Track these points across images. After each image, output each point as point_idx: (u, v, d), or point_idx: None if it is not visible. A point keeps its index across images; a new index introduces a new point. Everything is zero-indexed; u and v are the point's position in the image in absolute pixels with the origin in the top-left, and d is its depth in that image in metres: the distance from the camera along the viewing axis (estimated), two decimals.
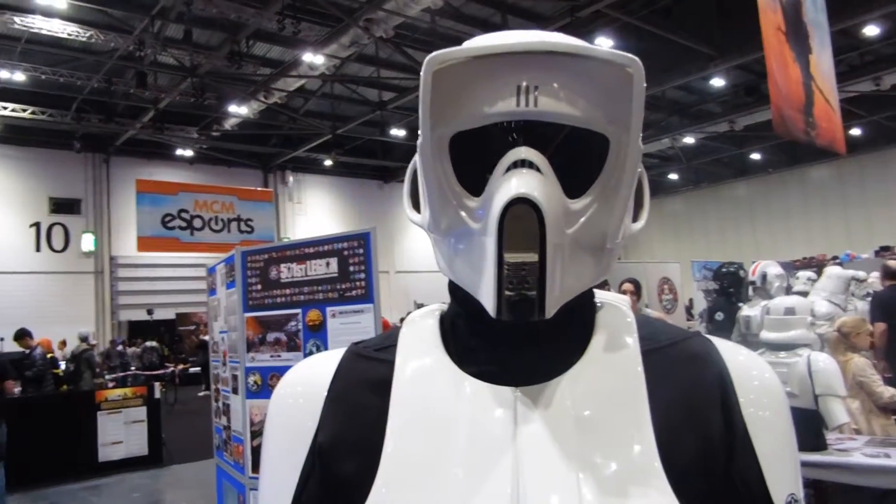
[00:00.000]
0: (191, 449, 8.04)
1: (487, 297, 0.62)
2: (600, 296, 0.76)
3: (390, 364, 0.72)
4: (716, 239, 25.16)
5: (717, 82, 16.82)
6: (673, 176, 26.11)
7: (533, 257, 0.60)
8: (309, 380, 0.75)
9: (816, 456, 3.45)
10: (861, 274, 6.63)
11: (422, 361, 0.71)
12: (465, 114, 0.64)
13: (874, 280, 6.89)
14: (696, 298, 7.40)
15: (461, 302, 0.72)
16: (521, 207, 0.60)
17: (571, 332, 0.70)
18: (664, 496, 0.61)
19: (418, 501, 0.62)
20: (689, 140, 20.68)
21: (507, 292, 0.60)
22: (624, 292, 5.32)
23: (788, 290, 5.81)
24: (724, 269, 6.30)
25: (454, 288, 0.73)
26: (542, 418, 0.64)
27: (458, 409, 0.66)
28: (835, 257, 12.68)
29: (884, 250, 15.09)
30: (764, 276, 5.61)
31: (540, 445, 0.63)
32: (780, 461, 0.68)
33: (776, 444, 0.68)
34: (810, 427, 3.55)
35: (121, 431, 8.19)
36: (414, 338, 0.74)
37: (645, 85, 0.62)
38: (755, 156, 23.64)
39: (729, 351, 0.71)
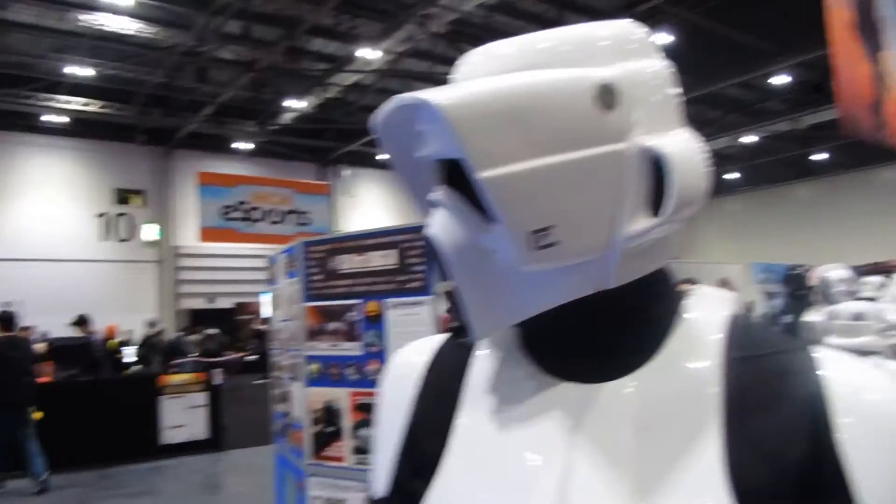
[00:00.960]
0: (248, 435, 8.25)
1: None
2: (702, 291, 0.73)
3: (471, 351, 0.76)
4: (778, 241, 24.41)
5: (781, 80, 16.33)
6: (732, 176, 25.48)
7: (451, 286, 0.64)
8: (408, 362, 0.81)
9: None
10: None
11: (496, 351, 0.74)
12: (403, 164, 0.74)
13: None
14: (758, 301, 7.22)
15: None
16: (434, 244, 0.65)
17: (645, 327, 0.67)
18: None
19: (474, 491, 0.65)
20: (749, 139, 20.15)
21: (454, 315, 0.66)
22: None
23: (854, 296, 5.62)
24: (793, 272, 6.13)
25: None
26: (601, 419, 0.63)
27: (519, 402, 0.68)
28: None
29: None
30: (825, 281, 5.45)
31: (594, 448, 0.61)
32: None
33: (882, 487, 0.56)
34: None
35: (182, 415, 8.46)
36: None
37: (446, 114, 0.58)
38: (820, 156, 22.86)
39: (839, 370, 0.61)
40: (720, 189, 26.61)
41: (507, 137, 0.58)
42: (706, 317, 0.68)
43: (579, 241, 0.60)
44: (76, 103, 16.66)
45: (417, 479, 0.71)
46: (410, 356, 0.82)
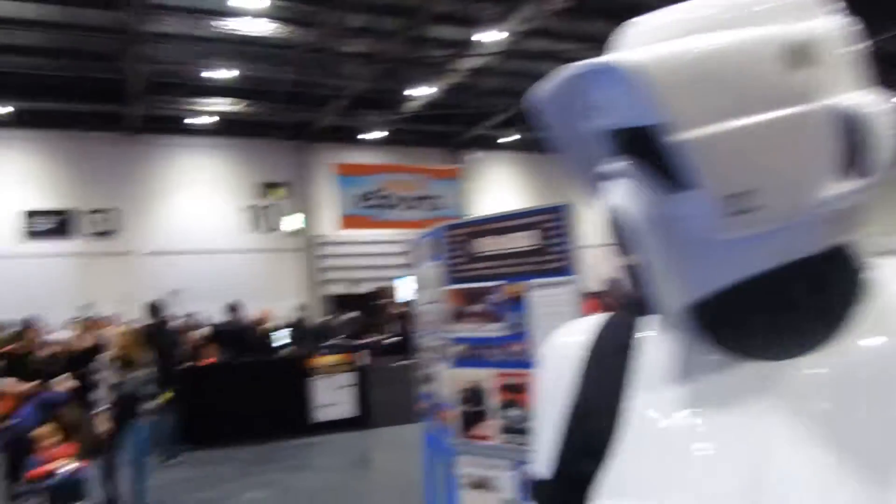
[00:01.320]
0: (394, 413, 8.56)
1: None
2: (891, 262, 0.68)
3: (640, 329, 0.75)
4: None
5: None
6: None
7: (636, 259, 0.64)
8: (566, 343, 0.80)
9: None
10: None
11: (667, 329, 0.71)
12: (566, 139, 0.74)
13: None
14: None
15: None
16: (617, 216, 0.65)
17: (832, 300, 0.63)
18: None
19: (655, 473, 0.63)
20: None
21: (634, 291, 0.66)
22: None
23: None
24: None
25: None
26: (792, 399, 0.60)
27: (700, 380, 0.65)
28: None
29: None
30: None
31: (788, 430, 0.59)
32: None
33: None
34: None
35: (332, 395, 8.91)
36: None
37: (646, 77, 0.57)
38: None
39: None
40: None
41: (703, 99, 0.57)
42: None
43: (778, 205, 0.58)
44: (221, 104, 17.82)
45: (586, 460, 0.70)
46: (569, 337, 0.82)
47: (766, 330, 0.64)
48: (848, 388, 0.59)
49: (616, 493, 0.66)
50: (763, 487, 0.57)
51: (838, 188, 0.59)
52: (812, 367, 0.61)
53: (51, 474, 4.87)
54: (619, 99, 0.64)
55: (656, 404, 0.67)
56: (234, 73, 16.16)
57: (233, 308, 10.53)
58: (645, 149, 0.63)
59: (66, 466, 4.96)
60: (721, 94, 0.57)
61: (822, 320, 0.63)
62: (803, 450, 0.57)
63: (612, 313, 0.81)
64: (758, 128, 0.57)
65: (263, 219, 20.35)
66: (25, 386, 6.00)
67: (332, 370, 9.00)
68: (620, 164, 0.66)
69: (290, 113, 18.52)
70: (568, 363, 0.78)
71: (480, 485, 3.84)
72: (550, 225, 3.77)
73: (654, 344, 0.72)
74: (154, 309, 8.09)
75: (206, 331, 9.93)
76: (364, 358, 9.31)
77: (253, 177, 20.34)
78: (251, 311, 12.11)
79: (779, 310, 0.63)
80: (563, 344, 0.81)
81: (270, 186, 20.56)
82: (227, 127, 19.42)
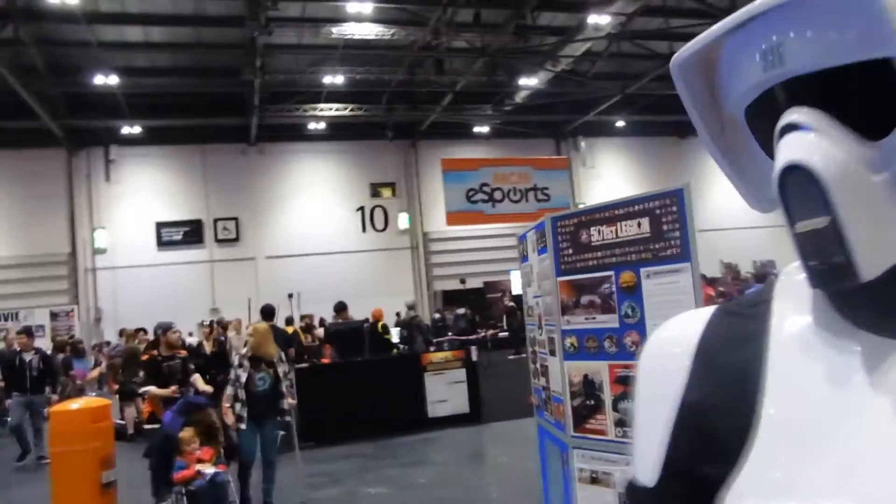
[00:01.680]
0: (506, 408, 8.54)
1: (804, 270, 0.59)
2: None
3: (765, 320, 0.67)
4: None
5: None
6: None
7: (822, 222, 0.55)
8: (677, 337, 0.74)
9: None
10: None
11: (801, 316, 0.65)
12: (726, 98, 0.66)
13: None
14: None
15: None
16: (795, 175, 0.56)
17: None
18: None
19: (799, 473, 0.57)
20: None
21: (812, 262, 0.57)
22: None
23: None
24: None
25: None
26: None
27: (847, 366, 0.59)
28: None
29: None
30: None
31: None
32: None
33: None
34: None
35: (445, 390, 9.00)
36: (791, 291, 0.68)
37: None
38: None
39: None
40: None
41: None
42: None
43: None
44: (332, 109, 18.39)
45: (711, 463, 0.64)
46: (678, 329, 0.75)
47: None
48: None
49: (752, 495, 0.60)
50: None
51: None
52: None
53: (197, 476, 5.13)
54: (814, 33, 0.57)
55: (798, 400, 0.61)
56: (342, 78, 16.63)
57: (338, 309, 10.80)
58: (833, 96, 0.58)
59: (209, 469, 5.21)
60: None
61: None
62: None
63: (718, 305, 0.75)
64: None
65: (373, 219, 20.88)
66: (167, 390, 6.39)
67: (444, 366, 9.09)
68: (807, 114, 0.58)
69: (397, 113, 18.88)
70: (676, 360, 0.71)
71: (596, 479, 3.74)
72: (663, 211, 3.61)
73: (792, 332, 0.65)
74: (267, 312, 8.42)
75: (319, 332, 10.25)
76: (474, 353, 9.32)
77: (363, 178, 20.92)
78: (364, 310, 12.40)
79: None
80: (671, 338, 0.75)
81: (380, 187, 21.06)
82: (339, 131, 20.06)
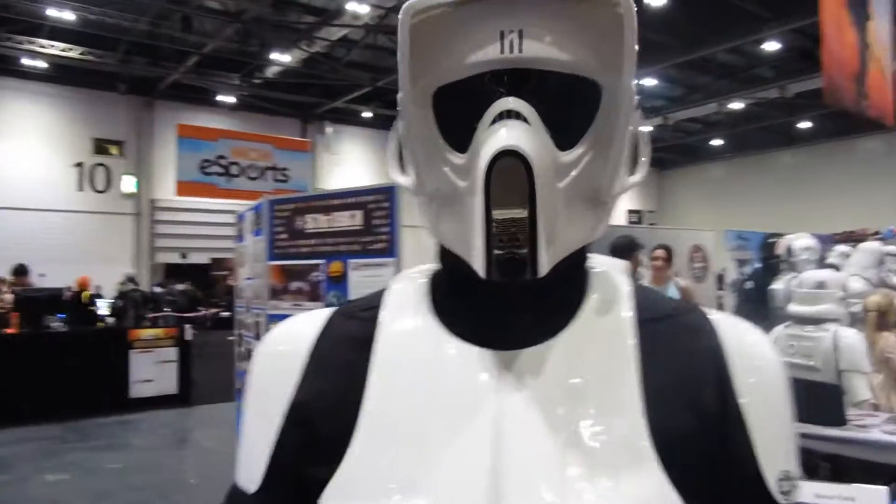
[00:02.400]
0: (218, 390, 8.25)
1: (476, 257, 0.59)
2: (597, 260, 0.73)
3: (373, 323, 0.70)
4: (757, 209, 24.56)
5: (771, 46, 16.15)
6: (716, 142, 25.46)
7: (522, 213, 0.57)
8: (292, 337, 0.74)
9: (836, 431, 3.42)
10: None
11: (406, 321, 0.70)
12: (447, 65, 0.61)
13: None
14: (729, 268, 7.26)
15: (449, 262, 0.69)
16: (508, 160, 0.56)
17: (562, 295, 0.67)
18: (652, 472, 0.59)
19: (395, 462, 0.62)
20: (736, 105, 20.06)
21: (497, 251, 0.57)
22: (656, 258, 5.26)
23: (822, 264, 5.69)
24: (769, 241, 6.22)
25: (441, 251, 0.71)
26: (527, 384, 0.62)
27: (440, 371, 0.64)
28: (876, 232, 12.30)
29: None
30: (790, 250, 5.53)
31: (524, 413, 0.61)
32: (774, 438, 0.65)
33: (770, 422, 0.66)
34: (831, 402, 3.50)
35: (152, 370, 8.45)
36: (401, 298, 0.73)
37: (636, 24, 0.59)
38: (804, 124, 22.83)
39: (728, 325, 0.69)
40: (704, 155, 26.65)
41: (632, 59, 0.61)
42: (612, 284, 0.71)
43: (617, 179, 0.66)
44: (56, 48, 16.19)
45: (315, 465, 0.65)
46: (295, 329, 0.74)
47: (501, 320, 0.66)
48: (574, 373, 0.63)
49: (349, 495, 0.62)
50: (503, 476, 0.58)
51: (632, 179, 0.67)
52: (545, 355, 0.64)
53: None
54: (558, 35, 0.60)
55: (394, 397, 0.65)
56: (73, 15, 14.66)
57: (18, 272, 9.57)
58: (544, 97, 0.60)
59: None
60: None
61: (555, 312, 0.67)
62: (540, 435, 0.60)
63: (336, 308, 0.77)
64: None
65: (92, 178, 18.83)
66: None
67: (154, 344, 8.51)
68: (526, 108, 0.59)
69: (135, 66, 17.13)
70: (290, 360, 0.71)
71: None
72: (375, 206, 3.75)
73: (395, 334, 0.69)
74: None
75: (8, 298, 9.03)
76: (188, 332, 8.86)
77: (87, 131, 18.75)
78: (74, 276, 11.16)
79: (515, 301, 0.65)
80: (286, 337, 0.74)
81: (105, 143, 19.06)
82: (63, 74, 17.72)
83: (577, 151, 0.62)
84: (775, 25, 13.81)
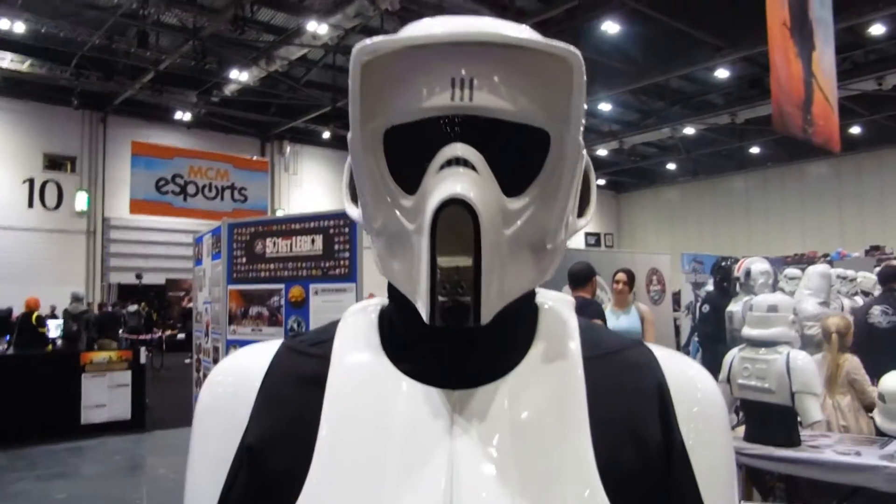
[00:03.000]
0: (174, 415, 8.06)
1: (421, 303, 0.59)
2: (544, 296, 0.74)
3: (325, 360, 0.70)
4: (709, 232, 25.20)
5: (722, 73, 16.70)
6: (671, 166, 26.06)
7: (467, 261, 0.57)
8: (241, 372, 0.72)
9: (790, 451, 3.51)
10: (846, 272, 6.64)
11: (357, 358, 0.69)
12: (398, 107, 0.62)
13: (863, 279, 6.90)
14: (685, 291, 7.42)
15: (399, 300, 0.69)
16: (454, 209, 0.57)
17: (512, 334, 0.68)
18: None
19: (349, 502, 0.61)
20: (689, 131, 20.61)
21: (441, 298, 0.58)
22: (617, 282, 5.34)
23: (775, 287, 5.83)
24: (722, 264, 6.35)
25: (391, 286, 0.71)
26: (478, 423, 0.63)
27: (393, 410, 0.64)
28: (825, 255, 12.71)
29: (874, 249, 15.15)
30: (748, 273, 5.66)
31: (475, 451, 0.61)
32: (717, 476, 0.68)
33: (714, 459, 0.68)
34: (785, 423, 3.60)
35: (104, 395, 8.20)
36: (351, 334, 0.72)
37: (585, 78, 0.60)
38: (754, 149, 23.57)
39: (670, 362, 0.71)
40: (658, 179, 27.22)
41: (580, 112, 0.62)
42: (560, 321, 0.72)
43: (565, 223, 0.67)
44: (6, 60, 15.78)
45: (265, 499, 0.65)
46: (241, 365, 0.73)
47: (451, 360, 0.66)
48: (523, 412, 0.64)
49: None
50: None
51: (580, 222, 0.71)
52: (494, 394, 0.64)
53: None
54: (509, 85, 0.60)
55: (346, 433, 0.64)
56: (22, 26, 14.29)
57: None
58: (492, 143, 0.61)
59: None
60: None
61: (505, 351, 0.67)
62: (488, 471, 0.60)
63: (284, 341, 0.75)
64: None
65: (43, 195, 18.34)
66: None
67: (107, 367, 8.28)
68: (474, 155, 0.60)
69: (88, 80, 16.78)
70: (240, 395, 0.70)
71: None
72: (336, 231, 3.74)
73: (347, 370, 0.68)
74: None
75: None
76: (143, 355, 8.65)
77: (36, 146, 18.29)
78: (23, 297, 10.83)
79: (465, 341, 0.65)
80: (235, 371, 0.73)
81: (57, 159, 18.61)
82: (12, 87, 17.28)
83: (524, 199, 0.63)
84: (727, 53, 14.24)
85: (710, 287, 6.57)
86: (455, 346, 0.66)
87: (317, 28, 13.61)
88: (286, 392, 0.69)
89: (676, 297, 7.96)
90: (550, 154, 0.63)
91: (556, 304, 0.74)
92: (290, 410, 0.68)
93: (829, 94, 8.03)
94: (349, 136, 0.64)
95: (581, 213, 0.71)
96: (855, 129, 20.10)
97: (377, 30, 15.04)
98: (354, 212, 0.71)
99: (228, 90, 17.77)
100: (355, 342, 0.71)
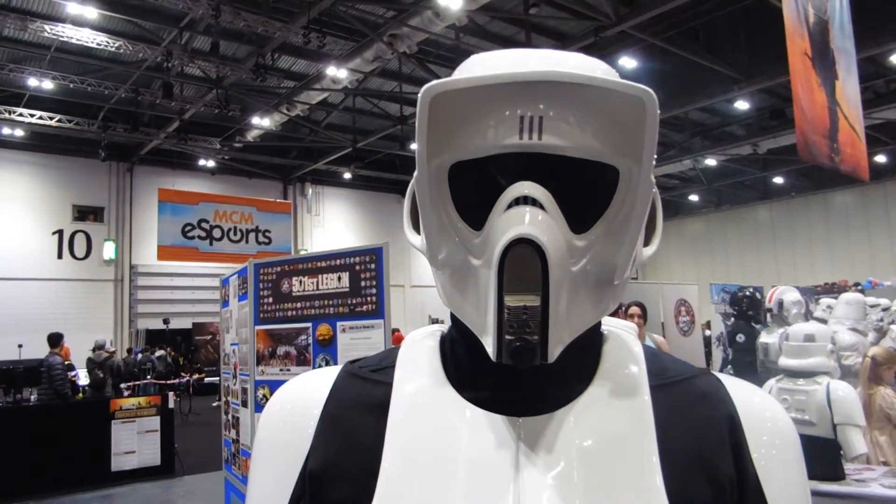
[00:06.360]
0: (204, 460, 8.02)
1: (487, 340, 0.60)
2: (607, 322, 0.73)
3: (388, 386, 0.69)
4: (736, 262, 24.87)
5: (742, 105, 16.66)
6: (694, 197, 25.90)
7: (535, 300, 0.57)
8: (301, 399, 0.72)
9: (834, 486, 3.38)
10: (880, 301, 6.48)
11: (420, 385, 0.68)
12: (465, 144, 0.62)
13: None
14: (714, 321, 7.30)
15: (462, 329, 0.68)
16: (522, 248, 0.57)
17: (577, 361, 0.67)
18: None
19: None
20: (711, 162, 20.52)
21: (508, 336, 0.57)
22: (630, 316, 5.26)
23: (808, 317, 5.70)
24: (741, 294, 6.25)
25: (455, 316, 0.70)
26: (545, 452, 0.62)
27: (458, 438, 0.63)
28: (856, 284, 12.46)
29: None
30: (781, 303, 5.54)
31: (542, 481, 0.60)
32: (790, 501, 0.65)
33: (788, 491, 0.65)
34: (828, 456, 3.47)
35: (134, 441, 8.19)
36: (413, 360, 0.71)
37: (659, 116, 0.59)
38: (778, 179, 23.37)
39: (740, 391, 0.69)
40: (682, 210, 27.05)
41: (652, 149, 0.60)
42: (625, 349, 0.70)
43: (633, 255, 0.65)
44: (35, 116, 16.27)
45: None
46: (301, 392, 0.73)
47: (517, 388, 0.65)
48: (591, 441, 0.62)
49: None
50: None
51: (647, 251, 0.69)
52: (562, 422, 0.63)
53: None
54: (579, 123, 0.60)
55: (411, 463, 0.63)
56: (52, 84, 14.80)
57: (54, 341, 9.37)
58: (560, 181, 0.61)
59: None
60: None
61: (571, 379, 0.66)
62: (555, 500, 0.59)
63: (343, 367, 0.75)
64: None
65: (72, 245, 18.67)
66: None
67: (136, 413, 8.28)
68: (541, 192, 0.60)
69: (114, 132, 17.22)
70: (300, 423, 0.70)
71: None
72: (362, 267, 3.73)
73: (410, 399, 0.67)
74: None
75: None
76: (171, 400, 8.66)
77: (65, 199, 18.68)
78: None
79: (530, 369, 0.62)
80: (296, 400, 0.73)
81: (85, 210, 18.99)
82: (42, 142, 17.77)
83: (591, 235, 0.63)
84: (744, 86, 14.24)
85: (731, 318, 6.45)
86: (520, 373, 0.64)
87: (336, 72, 13.87)
88: (348, 418, 0.69)
89: (705, 328, 7.82)
90: (619, 190, 0.63)
91: (621, 332, 0.73)
92: (352, 437, 0.67)
93: (855, 123, 7.96)
94: (416, 173, 0.64)
95: (647, 242, 0.70)
96: (881, 158, 19.88)
97: (395, 72, 15.30)
98: (416, 239, 0.71)
99: (251, 136, 18.11)
100: (417, 368, 0.70)
